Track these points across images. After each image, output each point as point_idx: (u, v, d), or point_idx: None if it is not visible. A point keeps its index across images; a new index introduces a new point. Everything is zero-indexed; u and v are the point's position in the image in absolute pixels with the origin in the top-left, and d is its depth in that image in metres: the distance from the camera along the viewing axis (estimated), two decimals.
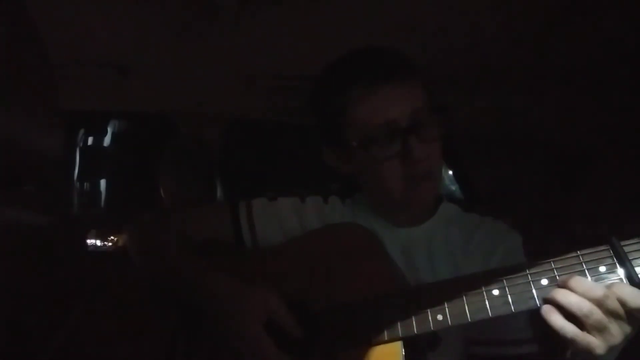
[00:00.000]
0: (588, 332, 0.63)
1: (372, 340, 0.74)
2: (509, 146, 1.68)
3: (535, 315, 0.69)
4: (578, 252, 0.69)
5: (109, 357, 0.87)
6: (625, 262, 0.65)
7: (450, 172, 2.04)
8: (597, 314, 0.62)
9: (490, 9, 1.02)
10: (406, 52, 0.89)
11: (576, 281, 0.65)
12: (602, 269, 0.67)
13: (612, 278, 0.66)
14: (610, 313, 0.62)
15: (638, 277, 0.65)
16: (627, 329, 0.63)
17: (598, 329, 0.63)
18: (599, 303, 0.63)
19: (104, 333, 0.89)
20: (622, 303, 0.62)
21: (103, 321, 0.91)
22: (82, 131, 3.03)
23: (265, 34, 1.16)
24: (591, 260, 0.68)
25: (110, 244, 2.20)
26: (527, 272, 0.69)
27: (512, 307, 0.68)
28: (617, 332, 0.63)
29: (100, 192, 3.07)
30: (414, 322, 0.72)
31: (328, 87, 0.90)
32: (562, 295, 0.65)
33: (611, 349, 0.63)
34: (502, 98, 1.42)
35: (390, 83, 0.83)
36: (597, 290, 0.63)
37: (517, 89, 1.35)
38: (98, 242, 2.22)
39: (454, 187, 2.05)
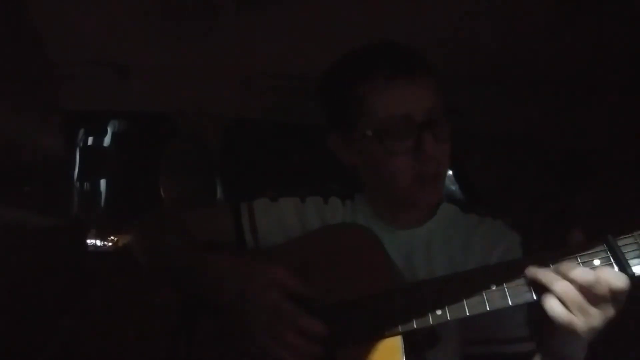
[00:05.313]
0: (571, 312, 0.66)
1: (372, 335, 0.75)
2: (509, 146, 1.68)
3: (531, 312, 0.69)
4: None
5: (110, 356, 0.87)
6: (618, 256, 0.66)
7: (450, 172, 2.04)
8: (580, 299, 0.65)
9: (491, 10, 1.02)
10: None
11: (567, 268, 0.67)
12: (597, 262, 0.67)
13: None
14: (598, 296, 0.65)
15: (631, 269, 0.65)
16: (610, 311, 0.66)
17: (581, 311, 0.65)
18: (589, 287, 0.65)
19: (104, 333, 0.89)
20: (609, 286, 0.64)
21: (103, 321, 0.91)
22: (82, 131, 3.03)
23: (265, 34, 1.16)
24: (586, 254, 0.68)
25: (110, 244, 2.20)
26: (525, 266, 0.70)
27: (509, 301, 0.69)
28: (598, 313, 0.65)
29: (100, 192, 3.07)
30: (413, 317, 0.72)
31: (346, 75, 0.90)
32: (549, 281, 0.67)
33: (592, 329, 0.66)
34: (503, 98, 1.42)
35: (411, 77, 0.84)
36: (588, 275, 0.65)
37: (517, 89, 1.35)
38: (98, 242, 2.22)
39: (454, 187, 2.05)
